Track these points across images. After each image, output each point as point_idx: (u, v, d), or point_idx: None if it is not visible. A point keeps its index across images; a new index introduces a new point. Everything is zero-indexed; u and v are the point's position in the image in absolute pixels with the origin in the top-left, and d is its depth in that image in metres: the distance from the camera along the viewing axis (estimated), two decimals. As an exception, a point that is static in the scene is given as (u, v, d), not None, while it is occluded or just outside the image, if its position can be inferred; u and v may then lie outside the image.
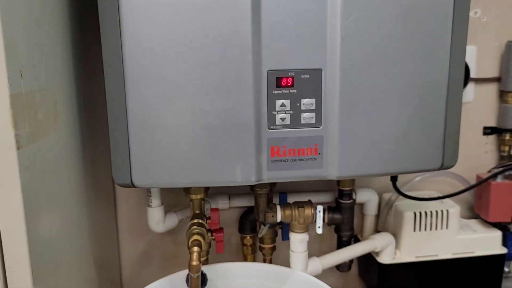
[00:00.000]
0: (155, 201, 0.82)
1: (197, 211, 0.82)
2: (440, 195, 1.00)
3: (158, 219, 0.83)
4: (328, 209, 0.93)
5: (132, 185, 0.66)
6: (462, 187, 1.01)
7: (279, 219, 0.81)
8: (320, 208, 0.82)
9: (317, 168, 0.69)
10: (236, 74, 0.64)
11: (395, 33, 0.67)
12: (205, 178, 0.67)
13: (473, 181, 1.01)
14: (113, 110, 0.64)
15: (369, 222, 1.03)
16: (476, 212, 1.04)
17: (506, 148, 1.06)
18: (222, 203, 0.96)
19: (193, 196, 0.81)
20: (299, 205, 0.81)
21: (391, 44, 0.67)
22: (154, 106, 0.64)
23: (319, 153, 0.69)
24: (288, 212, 0.81)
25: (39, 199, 0.54)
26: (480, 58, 1.02)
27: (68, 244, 0.66)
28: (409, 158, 0.71)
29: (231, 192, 0.97)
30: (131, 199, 0.98)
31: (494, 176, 0.97)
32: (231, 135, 0.66)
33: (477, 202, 1.03)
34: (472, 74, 1.01)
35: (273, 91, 0.66)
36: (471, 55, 1.01)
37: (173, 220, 0.86)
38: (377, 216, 1.04)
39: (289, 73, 0.66)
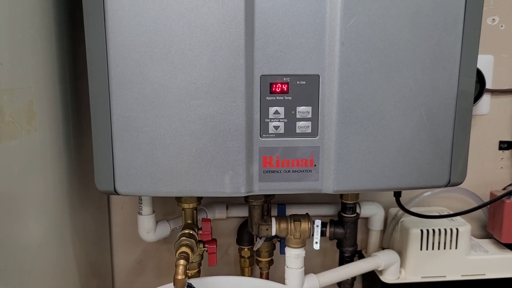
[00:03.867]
0: (146, 208, 0.79)
1: (189, 221, 0.78)
2: (450, 212, 0.94)
3: (148, 227, 0.79)
4: (330, 223, 0.88)
5: (115, 192, 0.63)
6: (474, 204, 0.95)
7: (273, 233, 0.77)
8: (318, 222, 0.77)
9: (312, 180, 0.65)
10: (227, 78, 0.60)
11: (400, 38, 0.62)
12: (191, 188, 0.63)
13: (486, 198, 0.95)
14: (96, 112, 0.61)
15: (374, 237, 0.98)
16: (489, 231, 0.98)
17: (523, 165, 0.99)
18: (219, 213, 0.92)
19: (185, 205, 0.77)
20: (296, 218, 0.77)
21: (395, 50, 0.62)
22: (139, 109, 0.60)
23: (315, 165, 0.65)
24: (283, 225, 0.76)
25: (4, 203, 0.51)
26: (497, 68, 0.96)
27: (43, 252, 0.63)
28: (412, 173, 0.66)
29: (229, 201, 0.93)
30: (126, 205, 0.95)
31: (509, 194, 0.90)
32: (220, 142, 0.62)
33: (490, 221, 0.96)
34: (488, 85, 0.96)
35: (266, 98, 0.62)
36: (488, 65, 0.95)
37: (165, 229, 0.83)
38: (383, 231, 0.99)
39: (284, 79, 0.62)
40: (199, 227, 0.78)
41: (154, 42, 0.59)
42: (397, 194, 0.78)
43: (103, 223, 0.90)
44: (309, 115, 0.63)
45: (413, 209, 0.87)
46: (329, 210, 0.95)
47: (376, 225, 0.97)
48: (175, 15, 0.58)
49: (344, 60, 0.61)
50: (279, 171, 0.64)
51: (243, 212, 0.93)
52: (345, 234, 0.89)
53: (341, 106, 0.62)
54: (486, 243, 0.97)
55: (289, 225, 0.76)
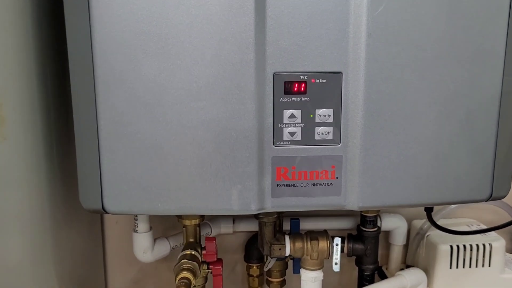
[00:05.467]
0: (142, 225, 0.70)
1: (191, 239, 0.69)
2: (480, 224, 0.85)
3: (145, 246, 0.70)
4: (349, 238, 0.79)
5: (104, 210, 0.54)
6: (507, 216, 0.86)
7: (287, 253, 0.67)
8: (338, 240, 0.68)
9: (333, 195, 0.56)
10: (234, 76, 0.51)
11: (436, 29, 0.53)
12: (193, 205, 0.54)
13: (520, 209, 0.85)
14: (80, 117, 0.52)
15: (396, 253, 0.89)
16: (524, 246, 0.89)
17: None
18: (225, 227, 0.83)
19: (187, 222, 0.68)
20: (313, 236, 0.68)
21: (431, 42, 0.53)
22: (131, 113, 0.52)
23: (337, 177, 0.55)
24: (299, 244, 0.67)
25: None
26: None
27: (19, 273, 0.54)
28: (449, 186, 0.57)
29: (236, 214, 0.84)
30: (121, 219, 0.86)
31: (548, 205, 0.81)
32: (226, 152, 0.53)
33: (527, 234, 0.87)
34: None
35: (281, 99, 0.53)
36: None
37: (163, 248, 0.74)
38: (406, 246, 0.89)
39: (301, 77, 0.53)
40: (203, 246, 0.69)
41: (148, 34, 0.50)
42: (429, 210, 0.68)
43: (95, 240, 0.81)
44: (330, 119, 0.54)
45: (439, 222, 0.78)
46: (347, 223, 0.85)
47: (399, 239, 0.87)
48: (173, 2, 0.49)
49: (371, 55, 0.52)
50: (295, 185, 0.55)
51: (252, 226, 0.84)
52: (365, 250, 0.80)
53: (367, 109, 0.53)
54: (521, 259, 0.88)
55: (305, 244, 0.67)
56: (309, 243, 0.67)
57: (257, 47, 0.51)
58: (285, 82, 0.53)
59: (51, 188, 0.60)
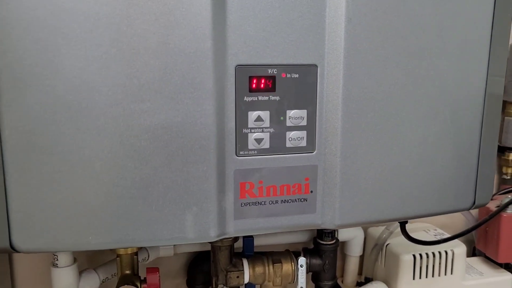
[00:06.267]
0: (65, 258, 0.56)
1: (127, 271, 0.56)
2: (438, 229, 0.81)
3: (68, 283, 0.56)
4: (304, 252, 0.70)
5: (13, 249, 0.40)
6: (459, 217, 0.82)
7: (246, 280, 0.57)
8: (302, 261, 0.59)
9: (308, 212, 0.47)
10: (187, 69, 0.40)
11: (422, 16, 0.46)
12: (135, 236, 0.42)
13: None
14: (-25, 127, 0.38)
15: (353, 264, 0.82)
16: (478, 248, 0.85)
17: (510, 170, 0.88)
18: (165, 249, 0.70)
19: (121, 251, 0.55)
20: (275, 259, 0.58)
21: (417, 30, 0.45)
22: (49, 120, 0.38)
23: (311, 191, 0.46)
24: (259, 269, 0.57)
25: None
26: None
27: None
28: (434, 196, 0.50)
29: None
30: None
31: (506, 206, 0.78)
32: (178, 166, 0.42)
33: (481, 237, 0.84)
34: None
35: (245, 98, 0.43)
36: None
37: (92, 282, 0.60)
38: (361, 256, 0.83)
39: (269, 71, 0.43)
40: (142, 277, 0.56)
41: (70, 12, 0.37)
42: (403, 222, 0.61)
43: (2, 280, 0.65)
44: (304, 122, 0.45)
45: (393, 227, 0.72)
46: (302, 236, 0.76)
47: (356, 250, 0.81)
48: (105, -31, 0.37)
49: (351, 44, 0.43)
50: (262, 203, 0.45)
51: (195, 246, 0.72)
52: (324, 265, 0.72)
53: (347, 109, 0.45)
54: (477, 263, 0.85)
55: (266, 268, 0.57)
56: (271, 267, 0.57)
57: (215, 32, 0.40)
58: (250, 77, 0.42)
59: None
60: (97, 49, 0.38)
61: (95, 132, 0.39)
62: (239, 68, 0.42)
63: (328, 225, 0.47)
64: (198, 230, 0.43)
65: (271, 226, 0.46)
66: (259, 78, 0.42)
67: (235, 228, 0.45)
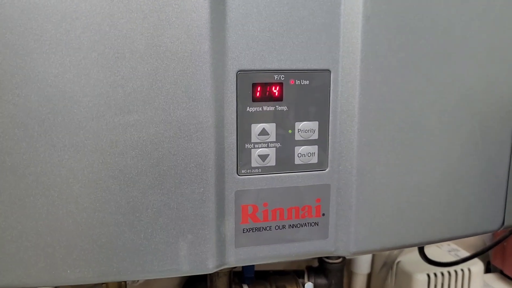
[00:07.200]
0: None
1: (116, 300, 0.51)
2: (452, 245, 0.75)
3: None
4: (309, 272, 0.65)
5: (-23, 287, 0.34)
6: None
7: (248, 309, 0.52)
8: (309, 286, 0.53)
9: (319, 238, 0.41)
10: (181, 75, 0.34)
11: (447, 15, 0.40)
12: (122, 268, 0.36)
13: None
14: None
15: (360, 283, 0.77)
16: (494, 264, 0.80)
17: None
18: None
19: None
20: (279, 285, 0.52)
21: (441, 31, 0.40)
22: (19, 135, 0.33)
23: (323, 214, 0.40)
24: (262, 297, 0.51)
25: None
26: None
27: None
28: (459, 217, 0.45)
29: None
30: None
31: (525, 220, 0.72)
32: (170, 188, 0.36)
33: (498, 253, 0.78)
34: None
35: (248, 108, 0.37)
36: None
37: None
38: (369, 274, 0.78)
39: (276, 77, 0.37)
40: (132, 306, 0.51)
41: (43, 12, 0.31)
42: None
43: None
44: (315, 135, 0.39)
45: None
46: (306, 255, 0.71)
47: (363, 267, 0.76)
48: (82, -42, 0.31)
49: (369, 46, 0.38)
50: (267, 228, 0.39)
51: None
52: (329, 286, 0.67)
53: (364, 119, 0.39)
54: (493, 280, 0.80)
55: (270, 296, 0.52)
56: (275, 294, 0.52)
57: (214, 33, 0.35)
58: (253, 84, 0.37)
59: None
60: (75, 53, 0.32)
61: (73, 149, 0.34)
62: (241, 74, 0.36)
63: (342, 252, 0.41)
64: (193, 261, 0.37)
65: (277, 255, 0.40)
66: (264, 85, 0.37)
67: (236, 258, 0.39)
